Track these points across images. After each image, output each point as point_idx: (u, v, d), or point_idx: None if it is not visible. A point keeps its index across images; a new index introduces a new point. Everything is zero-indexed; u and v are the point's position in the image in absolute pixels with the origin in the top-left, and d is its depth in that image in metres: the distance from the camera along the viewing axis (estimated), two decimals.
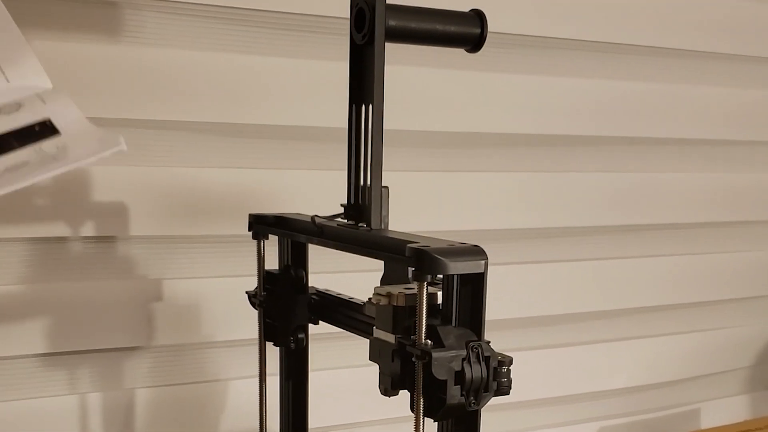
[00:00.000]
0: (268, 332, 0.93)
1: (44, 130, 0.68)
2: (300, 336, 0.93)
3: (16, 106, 0.70)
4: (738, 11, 1.53)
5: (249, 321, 1.07)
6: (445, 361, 0.64)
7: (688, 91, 1.51)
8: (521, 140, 1.37)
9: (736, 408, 1.74)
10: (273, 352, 0.94)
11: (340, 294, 0.90)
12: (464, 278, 0.66)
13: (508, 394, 0.68)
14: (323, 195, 1.14)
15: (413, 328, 0.67)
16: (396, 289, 0.71)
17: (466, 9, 0.80)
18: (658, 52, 1.46)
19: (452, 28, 0.79)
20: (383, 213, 0.79)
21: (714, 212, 1.60)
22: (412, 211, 1.22)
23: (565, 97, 1.39)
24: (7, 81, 0.71)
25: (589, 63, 1.41)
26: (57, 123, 0.69)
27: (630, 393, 1.57)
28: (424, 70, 1.24)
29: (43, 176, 0.64)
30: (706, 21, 1.50)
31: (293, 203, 1.10)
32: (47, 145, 0.67)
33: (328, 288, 0.93)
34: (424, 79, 1.25)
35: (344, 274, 1.07)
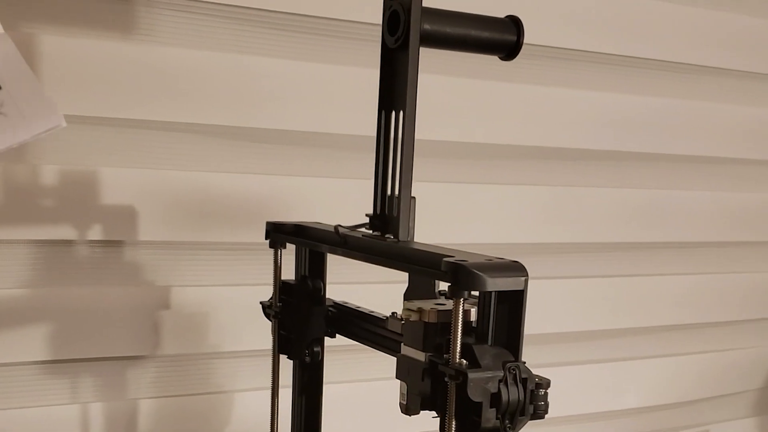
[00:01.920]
0: (282, 345, 0.90)
1: None
2: (315, 349, 0.89)
3: None
4: (761, 30, 1.51)
5: (257, 332, 1.03)
6: (481, 382, 0.61)
7: (714, 108, 1.50)
8: (537, 153, 1.35)
9: (746, 431, 1.71)
10: (283, 365, 0.91)
11: (359, 307, 0.87)
12: (502, 295, 0.63)
13: (543, 418, 0.65)
14: (337, 204, 1.12)
15: (445, 346, 0.64)
16: (427, 305, 0.68)
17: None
18: (680, 68, 1.45)
19: (487, 35, 0.76)
20: (410, 224, 0.76)
21: (728, 232, 1.57)
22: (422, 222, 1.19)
23: (588, 111, 1.37)
24: None
25: (617, 78, 1.40)
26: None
27: (640, 413, 1.54)
28: (443, 78, 1.21)
29: None
30: (727, 38, 1.48)
31: (307, 211, 1.06)
32: None
33: (345, 300, 0.89)
34: (442, 89, 1.22)
35: (358, 285, 1.04)
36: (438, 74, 1.17)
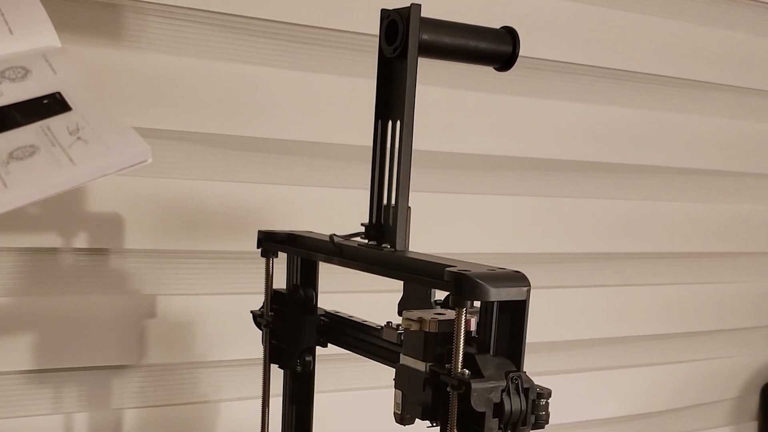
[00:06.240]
0: (273, 354, 0.89)
1: (53, 104, 0.61)
2: (307, 359, 0.89)
3: (23, 72, 0.63)
4: (743, 44, 1.53)
5: (244, 341, 1.03)
6: (485, 392, 0.61)
7: (700, 121, 1.52)
8: (525, 164, 1.36)
9: None
10: (272, 374, 0.90)
11: (351, 316, 0.86)
12: (504, 305, 0.63)
13: (544, 428, 0.65)
14: (327, 213, 1.11)
15: (446, 356, 0.64)
16: (427, 314, 0.68)
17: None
18: (667, 82, 1.46)
19: (484, 45, 0.76)
20: (406, 234, 0.76)
21: (706, 243, 1.59)
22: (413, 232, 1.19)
23: (578, 123, 1.38)
24: (11, 32, 0.65)
25: (608, 90, 1.41)
26: (68, 98, 0.62)
27: (620, 422, 1.55)
28: (434, 89, 1.21)
29: (55, 190, 0.58)
30: (714, 53, 1.50)
31: (296, 221, 1.06)
32: (56, 123, 0.60)
33: (336, 310, 0.89)
34: (433, 100, 1.22)
35: (345, 294, 1.03)
36: (430, 85, 1.17)
